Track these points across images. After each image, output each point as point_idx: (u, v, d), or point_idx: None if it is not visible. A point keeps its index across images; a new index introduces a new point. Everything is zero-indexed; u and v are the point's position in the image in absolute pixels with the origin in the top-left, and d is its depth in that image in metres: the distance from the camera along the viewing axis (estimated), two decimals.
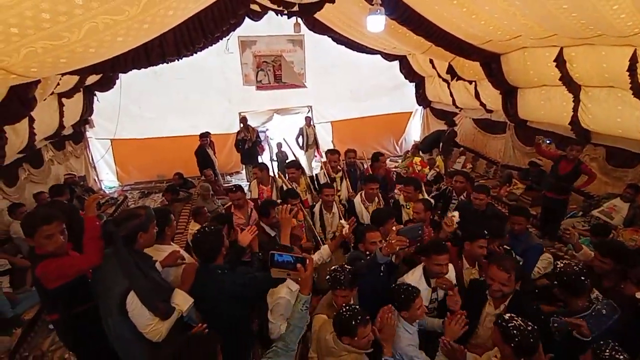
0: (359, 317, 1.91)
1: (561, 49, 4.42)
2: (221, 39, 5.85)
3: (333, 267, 2.37)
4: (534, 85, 5.48)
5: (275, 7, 5.03)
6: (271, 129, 9.81)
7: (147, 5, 2.58)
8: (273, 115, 9.35)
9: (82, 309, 2.15)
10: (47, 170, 6.26)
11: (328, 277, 2.34)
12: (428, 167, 7.38)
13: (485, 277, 2.46)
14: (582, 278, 2.14)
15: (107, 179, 8.80)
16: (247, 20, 5.34)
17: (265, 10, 5.33)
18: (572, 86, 4.70)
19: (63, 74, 3.97)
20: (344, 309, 1.97)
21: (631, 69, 3.67)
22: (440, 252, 2.49)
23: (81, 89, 6.19)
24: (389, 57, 8.00)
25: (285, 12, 5.22)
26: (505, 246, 3.10)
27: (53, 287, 2.04)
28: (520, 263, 3.08)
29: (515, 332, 1.77)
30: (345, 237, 2.97)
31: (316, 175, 5.11)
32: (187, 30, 4.01)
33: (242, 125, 7.83)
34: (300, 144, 8.34)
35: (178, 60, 4.53)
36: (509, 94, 6.02)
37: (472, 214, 3.60)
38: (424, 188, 4.47)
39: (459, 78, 6.88)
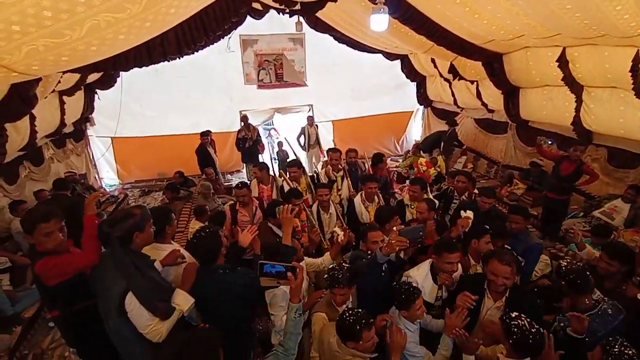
0: (363, 321, 1.89)
1: (564, 49, 4.41)
2: (223, 38, 5.83)
3: (331, 265, 2.38)
4: (536, 85, 5.46)
5: (277, 5, 5.02)
6: (276, 126, 9.78)
7: (149, 3, 2.57)
8: (274, 114, 9.34)
9: (83, 306, 2.15)
10: (47, 168, 6.27)
11: (326, 275, 2.34)
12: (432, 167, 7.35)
13: (487, 273, 2.45)
14: (588, 274, 2.17)
15: (108, 177, 8.80)
16: (248, 18, 5.32)
17: (267, 8, 5.32)
18: (574, 86, 4.69)
19: (64, 72, 3.96)
20: (347, 314, 1.95)
21: (634, 70, 3.66)
22: (452, 251, 2.49)
23: (82, 87, 6.19)
24: (390, 56, 7.97)
25: (287, 10, 5.20)
26: (506, 246, 3.08)
27: (53, 284, 2.04)
28: (522, 264, 3.08)
29: (516, 329, 1.79)
30: (341, 245, 2.96)
31: (317, 174, 5.10)
32: (188, 29, 4.00)
33: (242, 124, 7.82)
34: (302, 144, 8.31)
35: (179, 58, 4.53)
36: (511, 93, 6.00)
37: (475, 213, 3.58)
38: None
39: (461, 78, 6.85)
